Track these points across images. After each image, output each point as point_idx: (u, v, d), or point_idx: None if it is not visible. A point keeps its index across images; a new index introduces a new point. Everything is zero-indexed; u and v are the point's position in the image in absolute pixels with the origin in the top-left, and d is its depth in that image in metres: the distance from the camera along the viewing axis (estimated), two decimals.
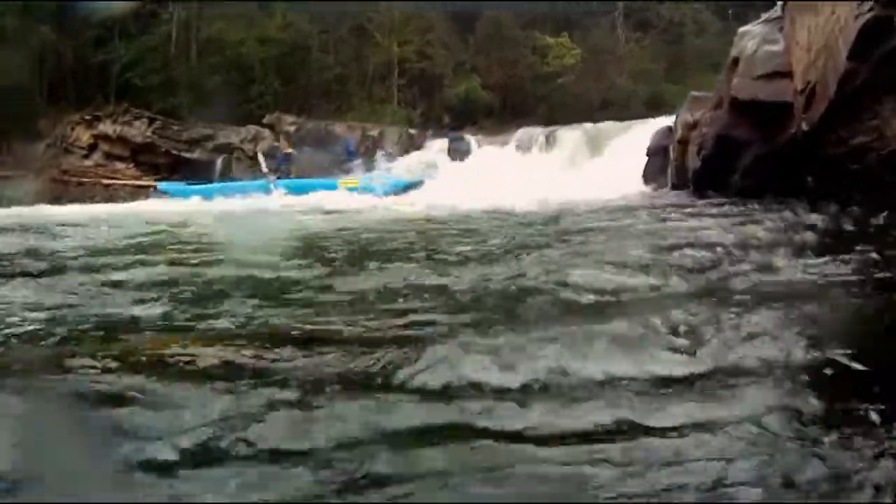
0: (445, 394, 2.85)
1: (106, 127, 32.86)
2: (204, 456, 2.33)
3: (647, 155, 19.08)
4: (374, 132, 30.06)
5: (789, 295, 4.20)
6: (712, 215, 9.95)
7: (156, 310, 4.72)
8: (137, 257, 7.66)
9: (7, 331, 4.01)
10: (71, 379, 3.08)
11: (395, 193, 21.78)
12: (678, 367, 2.98)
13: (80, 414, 2.68)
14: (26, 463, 2.26)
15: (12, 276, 6.17)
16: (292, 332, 3.81)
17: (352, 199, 19.88)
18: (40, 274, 6.50)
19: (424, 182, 24.36)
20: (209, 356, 3.35)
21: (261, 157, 27.45)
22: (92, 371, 3.12)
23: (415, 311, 4.38)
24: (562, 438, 2.42)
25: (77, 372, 3.14)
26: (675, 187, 16.80)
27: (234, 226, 13.63)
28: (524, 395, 2.80)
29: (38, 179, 29.63)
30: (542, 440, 2.41)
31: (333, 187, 22.55)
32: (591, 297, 4.37)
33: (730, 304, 3.95)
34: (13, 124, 32.18)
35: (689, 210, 11.21)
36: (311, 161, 29.72)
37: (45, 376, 3.13)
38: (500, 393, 2.80)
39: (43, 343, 3.78)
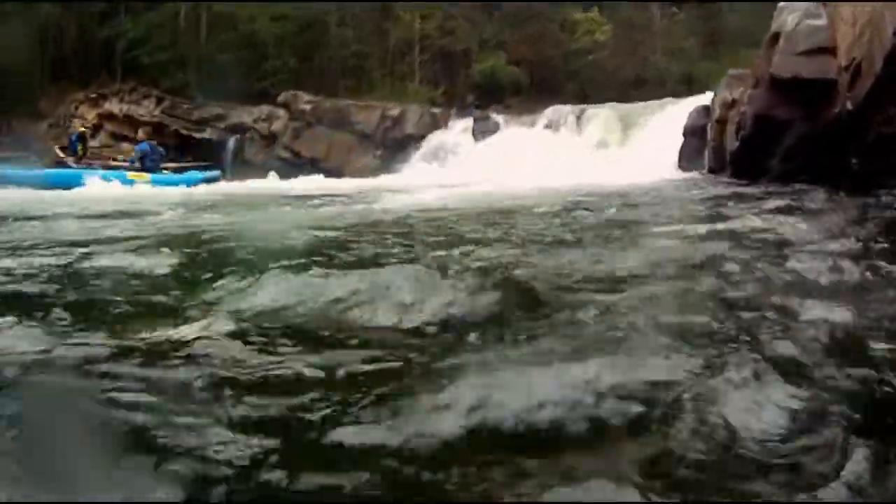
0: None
1: (112, 106, 33.12)
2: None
3: (683, 135, 19.14)
4: (395, 112, 30.09)
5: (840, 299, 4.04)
6: (753, 201, 9.73)
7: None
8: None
9: None
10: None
11: (195, 185, 21.62)
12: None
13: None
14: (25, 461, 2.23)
15: None
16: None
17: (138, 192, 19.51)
18: None
19: (220, 174, 24.35)
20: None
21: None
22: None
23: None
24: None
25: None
26: (712, 170, 16.87)
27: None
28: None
29: (41, 161, 29.74)
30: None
31: (121, 178, 22.07)
32: (610, 299, 4.19)
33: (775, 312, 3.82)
34: (14, 103, 32.33)
35: (727, 195, 11.06)
36: (328, 142, 30.05)
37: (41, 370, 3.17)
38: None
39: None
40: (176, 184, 21.79)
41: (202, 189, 20.75)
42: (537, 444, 2.29)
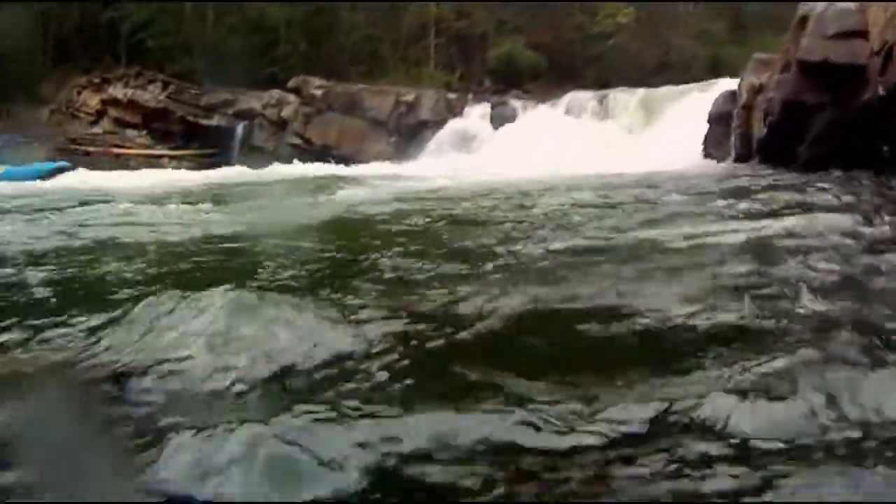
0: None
1: (116, 91, 33.15)
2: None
3: (709, 122, 19.22)
4: (409, 97, 30.15)
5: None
6: (782, 190, 9.79)
7: None
8: None
9: None
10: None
11: (42, 178, 21.57)
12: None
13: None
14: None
15: None
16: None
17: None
18: None
19: (68, 166, 24.31)
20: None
21: None
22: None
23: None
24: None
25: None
26: (738, 157, 16.98)
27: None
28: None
29: (42, 148, 29.85)
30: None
31: None
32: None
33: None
34: (14, 88, 32.30)
35: (755, 183, 11.15)
36: (340, 128, 30.14)
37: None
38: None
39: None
40: (27, 175, 21.76)
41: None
42: None
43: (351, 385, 3.08)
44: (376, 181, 16.34)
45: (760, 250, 5.73)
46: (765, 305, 4.07)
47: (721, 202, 9.31)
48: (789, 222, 6.90)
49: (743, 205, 8.87)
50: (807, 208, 7.78)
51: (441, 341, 3.65)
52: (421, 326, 3.79)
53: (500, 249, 6.38)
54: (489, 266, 5.55)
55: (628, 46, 35.08)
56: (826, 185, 9.71)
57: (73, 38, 36.36)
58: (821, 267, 4.91)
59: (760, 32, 30.69)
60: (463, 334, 3.68)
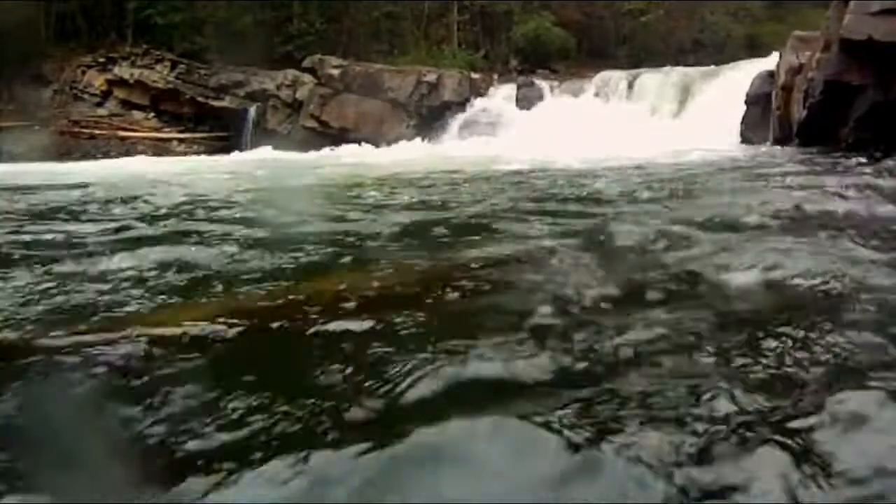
0: None
1: (122, 71, 33.22)
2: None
3: (746, 103, 19.32)
4: (431, 77, 30.26)
5: None
6: (824, 176, 9.59)
7: None
8: None
9: None
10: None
11: None
12: None
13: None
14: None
15: None
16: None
17: None
18: None
19: None
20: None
21: None
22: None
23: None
24: None
25: None
26: (777, 141, 17.08)
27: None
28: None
29: (45, 131, 29.99)
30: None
31: None
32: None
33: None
34: (15, 67, 32.37)
35: (796, 170, 10.92)
36: (357, 110, 30.23)
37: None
38: None
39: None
40: None
41: None
42: None
43: None
44: (383, 167, 16.16)
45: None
46: None
47: (775, 190, 8.70)
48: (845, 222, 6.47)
49: (796, 195, 7.99)
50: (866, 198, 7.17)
51: None
52: None
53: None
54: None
55: (661, 24, 35.09)
56: (866, 173, 9.57)
57: (76, 14, 36.33)
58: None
59: (800, 9, 30.69)
60: None
